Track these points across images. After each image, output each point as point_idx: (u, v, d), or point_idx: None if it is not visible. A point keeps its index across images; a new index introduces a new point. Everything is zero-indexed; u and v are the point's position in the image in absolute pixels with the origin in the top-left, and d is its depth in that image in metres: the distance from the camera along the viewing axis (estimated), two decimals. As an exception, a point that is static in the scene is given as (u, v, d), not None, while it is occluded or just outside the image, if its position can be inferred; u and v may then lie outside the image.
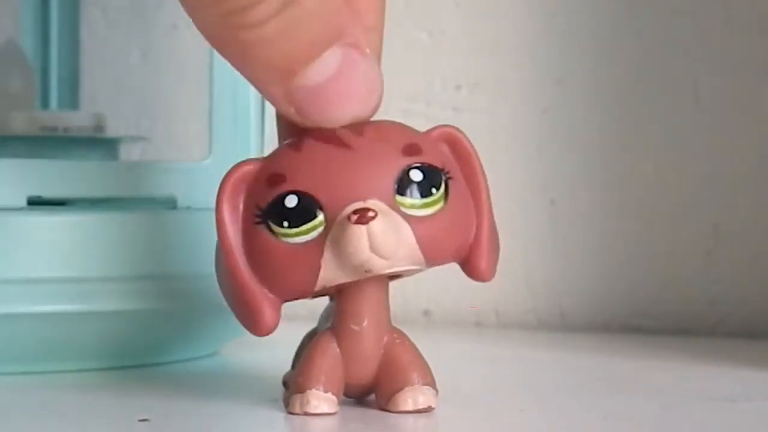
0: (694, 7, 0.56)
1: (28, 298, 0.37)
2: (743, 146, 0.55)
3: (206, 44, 0.43)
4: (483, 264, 0.31)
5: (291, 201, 0.29)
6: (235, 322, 0.42)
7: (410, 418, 0.30)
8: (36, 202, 0.38)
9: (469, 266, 0.31)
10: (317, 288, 0.30)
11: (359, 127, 0.30)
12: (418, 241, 0.29)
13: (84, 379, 0.37)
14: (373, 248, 0.29)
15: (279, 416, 0.31)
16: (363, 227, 0.28)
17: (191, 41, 0.60)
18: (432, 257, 0.30)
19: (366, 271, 0.29)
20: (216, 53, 0.41)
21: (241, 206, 0.30)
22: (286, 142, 0.31)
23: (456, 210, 0.30)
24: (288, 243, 0.29)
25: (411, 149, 0.30)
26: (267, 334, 0.31)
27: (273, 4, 0.28)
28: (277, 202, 0.29)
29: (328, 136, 0.30)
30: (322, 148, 0.30)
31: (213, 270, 0.39)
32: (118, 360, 0.39)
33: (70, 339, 0.38)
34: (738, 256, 0.55)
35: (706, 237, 0.55)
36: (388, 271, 0.29)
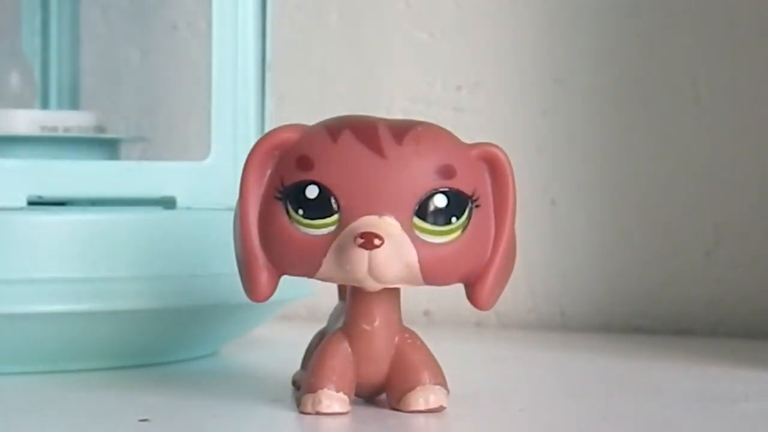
0: (694, 7, 0.56)
1: (27, 298, 0.37)
2: (743, 146, 0.55)
3: (206, 44, 0.43)
4: (484, 294, 0.31)
5: (312, 192, 0.29)
6: (235, 322, 0.42)
7: (422, 417, 0.30)
8: (36, 202, 0.38)
9: (471, 292, 0.31)
10: (315, 277, 0.30)
11: (402, 131, 0.30)
12: (421, 266, 0.29)
13: (84, 379, 0.37)
14: (371, 272, 0.29)
15: (279, 416, 0.31)
16: (365, 252, 0.28)
17: (191, 41, 0.60)
18: (432, 280, 0.30)
19: (361, 286, 0.29)
20: (215, 52, 0.41)
21: (269, 173, 0.30)
22: (326, 122, 0.30)
23: (471, 240, 0.30)
24: (299, 229, 0.29)
25: (444, 171, 0.30)
26: (260, 301, 0.31)
27: None
28: (299, 187, 0.29)
29: (367, 135, 0.29)
30: (357, 147, 0.29)
31: (213, 270, 0.39)
32: (118, 360, 0.39)
33: (70, 339, 0.38)
34: (738, 256, 0.55)
35: (706, 237, 0.55)
36: (381, 287, 0.30)
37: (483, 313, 0.58)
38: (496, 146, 0.31)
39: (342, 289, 0.35)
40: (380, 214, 0.29)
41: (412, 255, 0.29)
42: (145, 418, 0.30)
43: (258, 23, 0.43)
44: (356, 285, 0.30)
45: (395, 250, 0.29)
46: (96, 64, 0.61)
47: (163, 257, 0.39)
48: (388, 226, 0.29)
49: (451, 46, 0.59)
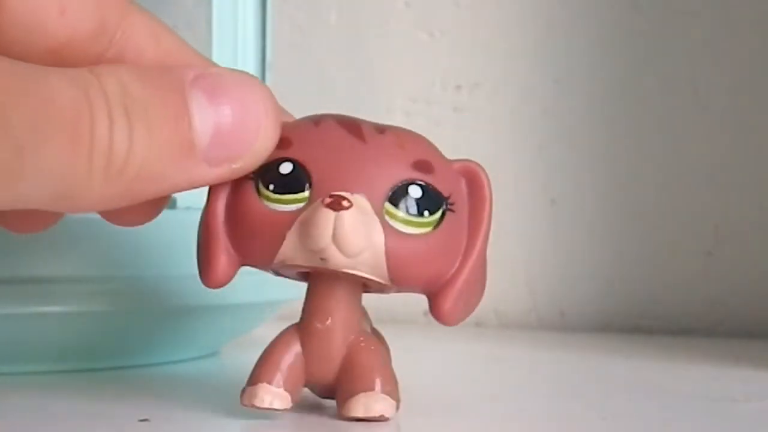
0: (694, 7, 0.56)
1: (28, 298, 0.37)
2: (743, 146, 0.55)
3: (206, 45, 0.43)
4: (447, 305, 0.29)
5: (285, 168, 0.29)
6: (235, 322, 0.42)
7: (360, 426, 0.29)
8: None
9: (433, 303, 0.30)
10: (276, 261, 0.29)
11: (384, 127, 0.29)
12: (387, 254, 0.28)
13: (84, 379, 0.37)
14: (335, 239, 0.27)
15: (279, 416, 0.31)
16: (332, 213, 0.27)
17: (191, 41, 0.60)
18: (397, 277, 0.29)
19: (321, 259, 0.28)
20: (215, 52, 0.41)
21: None
22: (311, 116, 0.30)
23: (441, 242, 0.29)
24: (267, 207, 0.29)
25: (423, 165, 0.29)
26: (215, 287, 0.30)
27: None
28: (272, 164, 0.29)
29: (349, 124, 0.29)
30: (337, 130, 0.29)
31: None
32: (117, 360, 0.39)
33: (70, 339, 0.38)
34: (738, 256, 0.55)
35: (706, 237, 0.55)
36: (344, 269, 0.28)
37: (483, 313, 0.58)
38: (477, 163, 0.30)
39: None
40: (352, 192, 0.28)
41: (379, 235, 0.28)
42: (145, 418, 0.30)
43: (258, 23, 0.43)
44: (318, 259, 0.28)
45: (363, 222, 0.28)
46: (96, 64, 0.61)
47: (163, 257, 0.39)
48: (358, 200, 0.28)
49: (451, 46, 0.59)
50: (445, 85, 0.59)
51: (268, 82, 0.43)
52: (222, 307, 0.40)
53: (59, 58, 0.28)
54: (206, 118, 0.27)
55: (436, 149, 0.30)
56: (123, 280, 0.38)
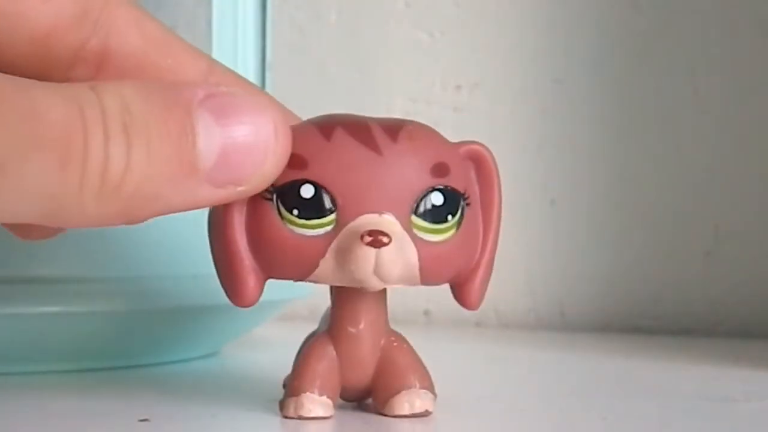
0: (694, 7, 0.56)
1: (27, 298, 0.37)
2: (743, 146, 0.55)
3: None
4: (474, 294, 0.30)
5: (307, 191, 0.28)
6: (235, 322, 0.42)
7: (407, 422, 0.30)
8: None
9: (460, 292, 0.30)
10: (307, 280, 0.29)
11: (394, 129, 0.29)
12: (420, 265, 0.29)
13: (84, 379, 0.37)
14: (376, 272, 0.28)
15: (277, 417, 0.31)
16: (373, 251, 0.28)
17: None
18: (428, 279, 0.29)
19: (361, 286, 0.29)
20: (215, 52, 0.41)
21: None
22: (315, 120, 0.30)
23: (464, 239, 0.30)
24: (292, 231, 0.28)
25: (439, 169, 0.29)
26: (248, 306, 0.30)
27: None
28: (292, 187, 0.28)
29: (362, 134, 0.29)
30: (352, 144, 0.29)
31: (213, 270, 0.39)
32: (117, 360, 0.39)
33: (71, 339, 0.38)
34: (738, 256, 0.55)
35: (706, 237, 0.55)
36: (382, 287, 0.29)
37: (483, 313, 0.58)
38: (482, 144, 0.31)
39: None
40: (380, 212, 0.28)
41: (413, 254, 0.29)
42: (145, 418, 0.30)
43: (258, 23, 0.43)
44: (357, 285, 0.29)
45: (399, 249, 0.28)
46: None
47: (163, 257, 0.39)
48: (389, 224, 0.28)
49: (451, 46, 0.59)
50: (445, 85, 0.59)
51: (268, 82, 0.43)
52: (222, 307, 0.40)
53: (43, 47, 0.28)
54: (212, 138, 0.26)
55: (443, 139, 0.30)
56: (123, 280, 0.38)
